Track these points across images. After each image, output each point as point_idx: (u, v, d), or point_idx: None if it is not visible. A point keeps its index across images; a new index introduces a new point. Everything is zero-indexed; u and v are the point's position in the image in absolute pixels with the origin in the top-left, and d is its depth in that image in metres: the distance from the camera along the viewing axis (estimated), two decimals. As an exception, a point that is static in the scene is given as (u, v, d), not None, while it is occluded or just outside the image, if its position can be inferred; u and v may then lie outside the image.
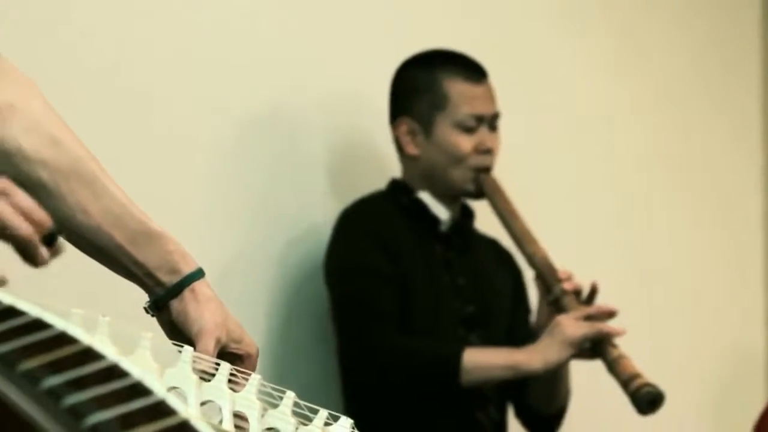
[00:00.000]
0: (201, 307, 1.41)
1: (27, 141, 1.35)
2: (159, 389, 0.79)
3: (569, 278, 2.62)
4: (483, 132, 2.74)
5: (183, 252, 1.43)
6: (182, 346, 1.29)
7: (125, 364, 0.80)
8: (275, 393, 1.27)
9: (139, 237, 1.40)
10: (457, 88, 2.74)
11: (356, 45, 3.01)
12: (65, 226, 1.36)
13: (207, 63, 2.69)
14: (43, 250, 0.91)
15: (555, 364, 2.55)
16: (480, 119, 2.74)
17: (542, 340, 2.57)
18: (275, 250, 2.81)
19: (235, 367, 1.31)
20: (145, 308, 1.45)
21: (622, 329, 2.54)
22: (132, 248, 1.40)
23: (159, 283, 1.42)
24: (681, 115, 3.80)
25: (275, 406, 1.27)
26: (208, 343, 1.37)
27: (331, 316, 2.76)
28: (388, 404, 2.64)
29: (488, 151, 2.74)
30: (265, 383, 1.28)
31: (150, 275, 1.42)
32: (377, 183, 2.85)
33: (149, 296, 1.44)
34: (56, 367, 0.77)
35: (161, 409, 0.78)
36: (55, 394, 0.74)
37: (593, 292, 2.61)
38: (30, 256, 0.90)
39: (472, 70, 2.76)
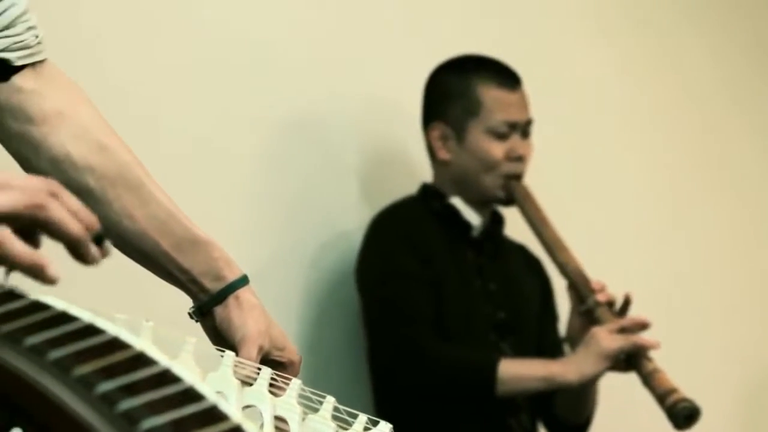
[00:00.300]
0: (245, 315, 1.41)
1: (75, 148, 1.35)
2: (211, 394, 0.79)
3: (602, 289, 2.61)
4: (515, 139, 2.73)
5: (228, 259, 1.43)
6: (224, 351, 1.29)
7: (177, 369, 0.80)
8: (315, 397, 1.27)
9: (184, 243, 1.40)
10: (491, 95, 2.73)
11: (387, 52, 3.01)
12: (112, 232, 1.36)
13: (241, 70, 2.70)
14: (94, 249, 0.91)
15: (590, 376, 2.54)
16: (513, 126, 2.73)
17: (578, 353, 2.55)
18: (308, 255, 2.81)
19: (276, 372, 1.31)
20: (189, 314, 1.45)
21: (657, 342, 2.52)
22: (177, 254, 1.40)
23: (203, 289, 1.42)
24: (707, 117, 3.78)
25: (315, 410, 1.26)
26: (251, 351, 1.37)
27: (363, 320, 2.75)
28: (420, 409, 2.63)
29: (520, 159, 2.73)
30: (305, 388, 1.28)
31: (194, 281, 1.42)
32: (408, 188, 2.85)
33: (193, 302, 1.44)
34: (109, 372, 0.76)
35: (213, 415, 0.77)
36: (109, 399, 0.74)
37: (626, 303, 2.60)
38: (81, 255, 0.90)
39: (506, 77, 2.75)
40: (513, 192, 2.73)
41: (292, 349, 1.44)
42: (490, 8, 3.28)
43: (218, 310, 1.42)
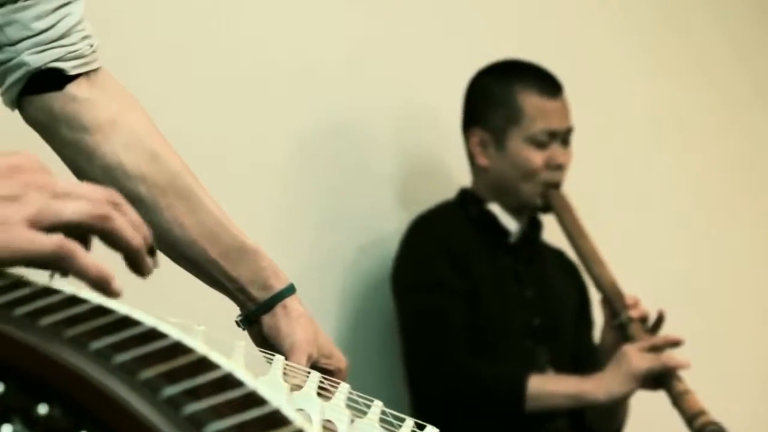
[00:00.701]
0: (293, 323, 1.41)
1: (127, 156, 1.35)
2: (273, 399, 0.78)
3: (636, 305, 2.60)
4: (555, 147, 2.72)
5: (275, 268, 1.43)
6: (272, 355, 1.29)
7: (239, 373, 0.79)
8: (362, 401, 1.27)
9: (232, 252, 1.40)
10: (532, 103, 2.71)
11: (423, 58, 3.01)
12: (162, 239, 1.36)
13: (279, 78, 2.70)
14: (150, 261, 0.91)
15: (618, 396, 2.53)
16: (553, 135, 2.72)
17: (607, 371, 2.54)
18: (345, 260, 2.81)
19: (324, 376, 1.31)
20: (236, 322, 1.45)
21: (687, 362, 2.51)
22: (225, 263, 1.40)
23: (251, 298, 1.42)
24: (737, 119, 3.77)
25: (363, 414, 1.26)
26: (300, 359, 1.37)
27: (399, 327, 2.75)
28: (457, 414, 2.62)
29: (559, 167, 2.72)
30: (353, 392, 1.28)
31: (242, 290, 1.42)
32: (444, 194, 2.85)
33: (240, 310, 1.44)
34: (173, 376, 0.76)
35: (276, 419, 0.76)
36: (175, 403, 0.73)
37: (660, 320, 2.58)
38: (138, 267, 0.90)
39: (547, 84, 2.73)
40: (551, 200, 2.72)
41: (339, 356, 1.44)
42: (524, 14, 3.27)
43: (266, 319, 1.42)
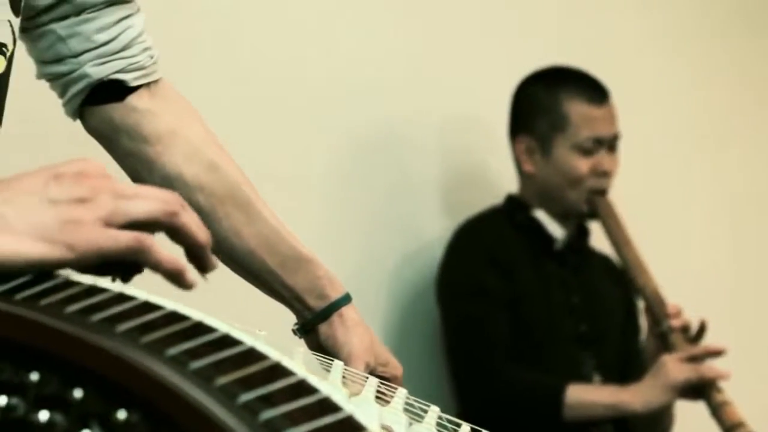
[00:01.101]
0: (349, 332, 1.41)
1: (186, 167, 1.35)
2: (347, 405, 0.77)
3: (678, 314, 2.58)
4: (601, 154, 2.70)
5: (331, 277, 1.43)
6: (329, 360, 1.28)
7: (312, 379, 0.79)
8: (419, 405, 1.26)
9: (289, 262, 1.40)
10: (578, 110, 2.70)
11: (467, 66, 3.00)
12: (219, 249, 1.36)
13: (326, 84, 2.70)
14: (214, 258, 0.91)
15: (656, 406, 2.51)
16: (599, 141, 2.70)
17: (646, 381, 2.52)
18: (390, 267, 2.81)
19: (382, 382, 1.30)
20: (293, 330, 1.45)
21: (727, 373, 2.48)
22: (282, 272, 1.40)
23: (307, 307, 1.42)
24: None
25: (420, 419, 1.25)
26: (358, 367, 1.37)
27: (443, 333, 2.74)
28: (500, 421, 2.61)
29: (605, 174, 2.70)
30: (411, 397, 1.27)
31: (299, 299, 1.42)
32: (488, 200, 2.84)
33: (297, 319, 1.44)
34: (248, 382, 0.75)
35: (350, 425, 0.76)
36: (251, 409, 0.73)
37: (702, 330, 2.56)
38: (203, 261, 0.90)
39: (594, 91, 2.71)
40: (596, 207, 2.70)
41: (396, 363, 1.44)
42: (567, 23, 3.27)
43: (322, 328, 1.42)
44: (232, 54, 2.54)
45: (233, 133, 2.47)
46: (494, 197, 2.84)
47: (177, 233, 0.88)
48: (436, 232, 2.87)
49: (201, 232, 0.89)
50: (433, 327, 2.81)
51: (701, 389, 2.49)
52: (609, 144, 2.72)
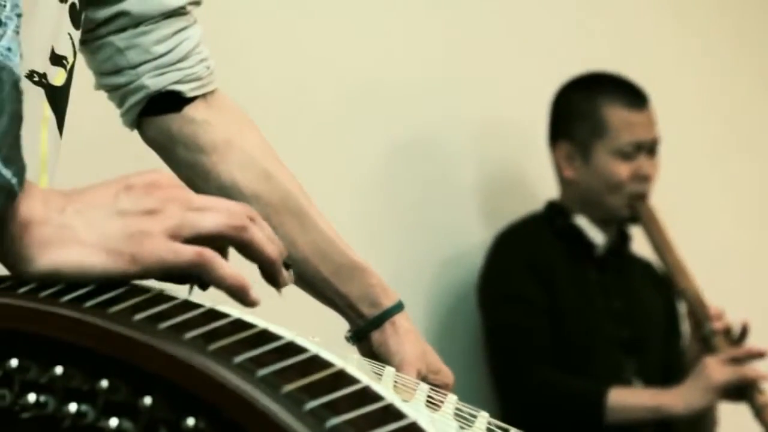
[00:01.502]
0: (401, 339, 1.40)
1: (242, 176, 1.36)
2: (410, 412, 0.77)
3: (720, 316, 2.57)
4: (641, 158, 2.69)
5: (384, 285, 1.43)
6: (381, 366, 1.28)
7: (376, 387, 0.79)
8: (467, 412, 1.26)
9: (343, 270, 1.40)
10: (618, 115, 2.69)
11: (504, 71, 2.99)
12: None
13: (364, 89, 2.69)
14: (285, 273, 0.91)
15: (697, 408, 2.49)
16: (639, 146, 2.69)
17: (687, 383, 2.51)
18: (429, 273, 2.80)
19: (433, 388, 1.30)
20: (346, 338, 1.44)
21: None
22: (336, 280, 1.40)
23: (360, 314, 1.42)
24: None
25: (469, 425, 1.25)
26: (410, 375, 1.37)
27: (484, 340, 2.73)
28: (542, 426, 2.60)
29: (645, 179, 2.69)
30: (461, 403, 1.27)
31: (352, 307, 1.41)
32: (527, 206, 2.83)
33: (350, 326, 1.44)
34: (313, 390, 0.75)
35: (414, 432, 0.76)
36: (318, 416, 0.73)
37: (744, 332, 2.55)
38: (275, 278, 0.90)
39: (633, 96, 2.71)
40: (638, 212, 2.69)
41: (447, 371, 1.44)
42: (603, 28, 3.26)
43: (375, 335, 1.42)
44: (267, 60, 2.54)
45: (270, 140, 2.49)
46: (533, 203, 2.84)
47: (245, 248, 0.88)
48: (474, 239, 2.86)
49: (270, 248, 0.88)
50: (472, 334, 2.80)
51: (743, 390, 2.48)
52: (649, 148, 2.71)
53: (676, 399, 2.51)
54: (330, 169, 2.63)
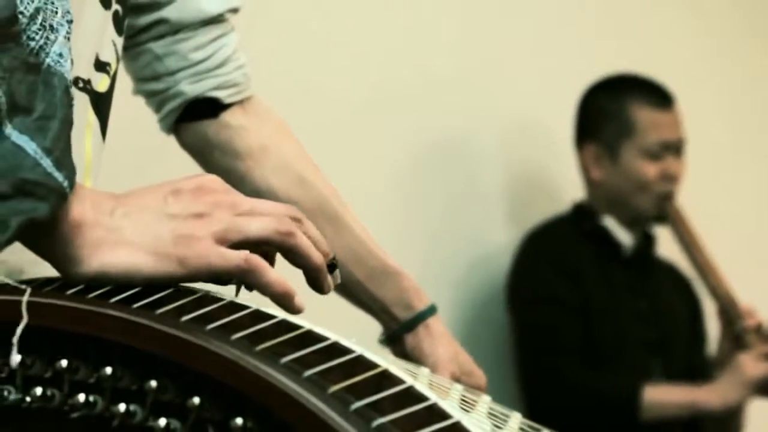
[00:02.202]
0: (435, 342, 1.40)
1: (276, 181, 1.36)
2: (454, 412, 0.77)
3: (751, 314, 2.57)
4: (669, 158, 2.69)
5: (417, 289, 1.43)
6: (414, 366, 1.28)
7: (420, 387, 0.79)
8: (500, 412, 1.26)
9: (377, 274, 1.40)
10: (644, 115, 2.69)
11: (531, 72, 2.98)
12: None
13: (389, 92, 2.69)
14: (330, 279, 0.91)
15: (733, 403, 2.50)
16: (666, 146, 2.69)
17: (722, 379, 2.51)
18: (456, 275, 2.80)
19: (466, 388, 1.30)
20: (379, 341, 1.44)
21: None
22: (370, 284, 1.40)
23: (394, 318, 1.42)
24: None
25: (503, 425, 1.25)
26: (444, 377, 1.37)
27: (513, 340, 2.73)
28: (573, 426, 2.60)
29: (673, 178, 2.69)
30: (494, 404, 1.26)
31: (386, 310, 1.41)
32: (553, 208, 2.83)
33: (384, 329, 1.44)
34: (359, 390, 0.75)
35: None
36: (364, 416, 0.73)
37: None
38: (319, 284, 0.90)
39: (659, 96, 2.70)
40: (666, 212, 2.69)
41: (480, 374, 1.44)
42: (627, 29, 3.25)
43: (408, 338, 1.42)
44: (292, 63, 2.53)
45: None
46: (559, 205, 2.83)
47: (289, 253, 0.88)
48: (501, 240, 2.86)
49: (315, 255, 0.88)
50: (499, 335, 2.79)
51: None
52: (676, 148, 2.70)
53: (711, 395, 2.51)
54: (356, 172, 2.63)
